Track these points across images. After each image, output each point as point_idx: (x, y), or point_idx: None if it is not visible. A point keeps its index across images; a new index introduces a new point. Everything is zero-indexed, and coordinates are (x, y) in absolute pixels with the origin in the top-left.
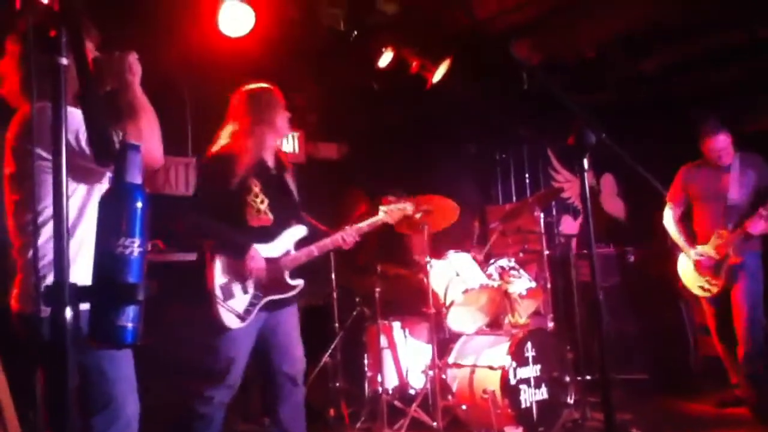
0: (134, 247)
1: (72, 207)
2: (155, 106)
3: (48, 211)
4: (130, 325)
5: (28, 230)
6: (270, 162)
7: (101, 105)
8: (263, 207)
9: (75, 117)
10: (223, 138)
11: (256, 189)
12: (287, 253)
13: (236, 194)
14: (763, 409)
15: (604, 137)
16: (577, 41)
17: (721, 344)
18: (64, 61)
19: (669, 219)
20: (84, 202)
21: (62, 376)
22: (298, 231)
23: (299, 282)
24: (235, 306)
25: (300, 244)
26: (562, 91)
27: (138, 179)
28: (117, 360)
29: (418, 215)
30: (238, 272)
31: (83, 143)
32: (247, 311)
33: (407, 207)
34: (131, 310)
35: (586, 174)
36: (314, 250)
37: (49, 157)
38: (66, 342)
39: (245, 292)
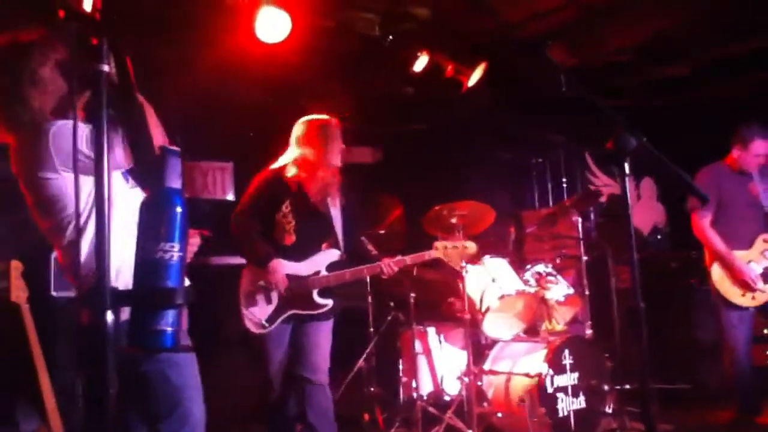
0: (174, 252)
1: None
2: (192, 111)
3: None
4: (169, 329)
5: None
6: (312, 189)
7: (142, 113)
8: (289, 227)
9: (62, 131)
10: (289, 161)
11: (286, 210)
12: (317, 273)
13: (270, 213)
14: None
15: (644, 141)
16: (606, 46)
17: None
18: (105, 67)
19: (704, 226)
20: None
21: (103, 380)
22: (331, 255)
23: (328, 301)
24: (255, 313)
25: (334, 267)
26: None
27: (178, 184)
28: (181, 366)
29: (453, 219)
30: (263, 283)
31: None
32: (269, 320)
33: (467, 250)
34: (170, 315)
35: (627, 178)
36: (346, 274)
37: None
38: (107, 346)
39: (269, 302)
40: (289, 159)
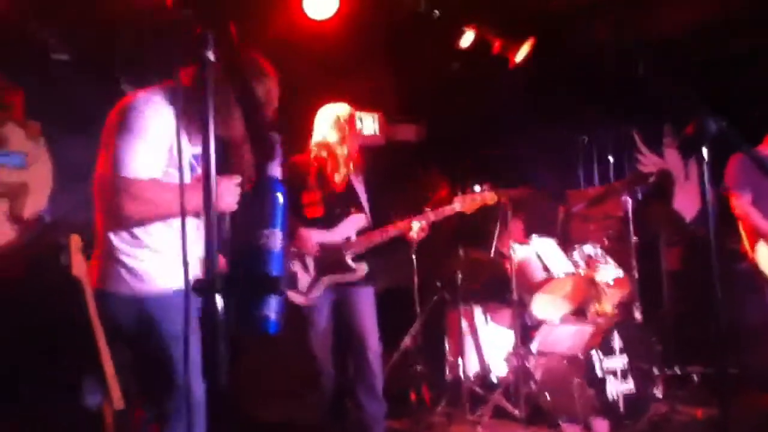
0: (276, 239)
1: None
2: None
3: None
4: (273, 315)
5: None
6: (333, 171)
7: (261, 107)
8: (316, 201)
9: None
10: (312, 145)
11: (312, 185)
12: (348, 239)
13: (297, 192)
14: None
15: (724, 126)
16: (661, 22)
17: None
18: (211, 56)
19: (745, 206)
20: None
21: (215, 362)
22: (359, 220)
23: (361, 265)
24: (296, 283)
25: (363, 232)
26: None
27: (278, 172)
28: (185, 344)
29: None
30: (296, 254)
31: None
32: (310, 287)
33: (486, 197)
34: (274, 301)
35: (705, 165)
36: (375, 235)
37: None
38: (218, 329)
39: (305, 270)
40: (312, 144)
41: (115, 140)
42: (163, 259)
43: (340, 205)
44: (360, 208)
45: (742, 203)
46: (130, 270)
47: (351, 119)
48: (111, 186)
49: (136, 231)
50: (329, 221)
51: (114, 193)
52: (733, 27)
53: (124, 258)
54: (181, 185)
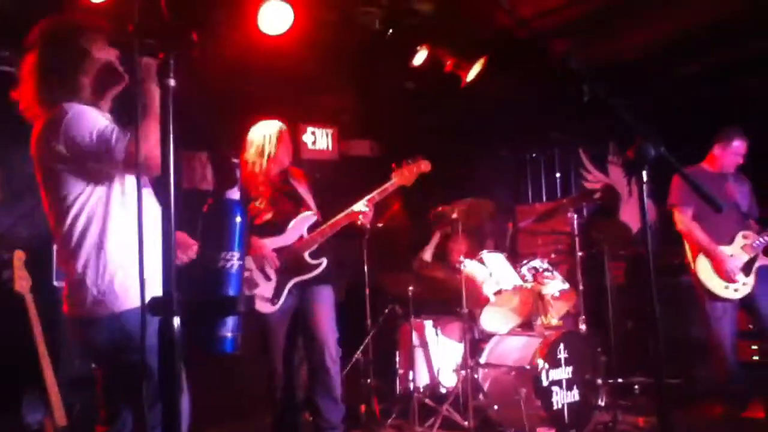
0: (234, 260)
1: (96, 211)
2: (195, 103)
3: (83, 217)
4: (230, 334)
5: (68, 238)
6: (274, 174)
7: (222, 135)
8: (262, 206)
9: (88, 115)
10: (249, 156)
11: (255, 195)
12: (301, 237)
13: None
14: None
15: (663, 151)
16: (618, 44)
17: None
18: (172, 82)
19: (688, 222)
20: (106, 204)
21: (172, 382)
22: (307, 218)
23: (321, 260)
24: (262, 293)
25: (313, 228)
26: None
27: (236, 195)
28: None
29: (454, 215)
30: (255, 264)
31: (95, 143)
32: (276, 295)
33: (422, 166)
34: (231, 321)
35: (644, 186)
36: (327, 228)
37: (67, 155)
38: (175, 349)
39: (268, 279)
40: (249, 155)
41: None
42: (134, 273)
43: (286, 206)
44: (306, 207)
45: (684, 218)
46: (105, 290)
47: (280, 133)
48: None
49: (108, 249)
50: (279, 226)
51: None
52: (685, 49)
53: (98, 279)
54: (140, 203)
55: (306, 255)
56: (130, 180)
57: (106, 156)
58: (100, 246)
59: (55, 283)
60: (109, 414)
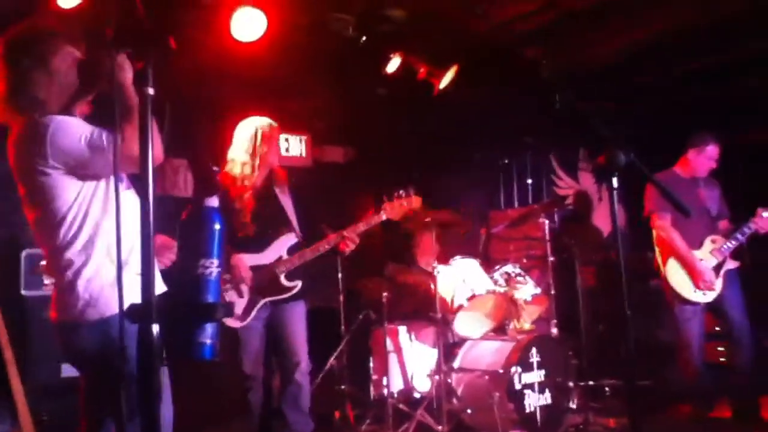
0: (213, 267)
1: (86, 217)
2: (166, 108)
3: (76, 224)
4: (209, 341)
5: (60, 246)
6: (260, 181)
7: (203, 143)
8: (245, 222)
9: (71, 123)
10: (233, 160)
11: (239, 207)
12: (279, 258)
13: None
14: (749, 410)
15: (633, 158)
16: (589, 50)
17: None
18: (151, 91)
19: (667, 227)
20: (93, 209)
21: (150, 389)
22: (289, 238)
23: (296, 283)
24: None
25: (294, 249)
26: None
27: (215, 202)
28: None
29: (427, 219)
30: (230, 279)
31: (87, 150)
32: (245, 312)
33: (413, 202)
34: (210, 328)
35: (615, 192)
36: (307, 253)
37: (60, 167)
38: (155, 357)
39: (240, 295)
40: (232, 158)
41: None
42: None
43: (269, 225)
44: (290, 227)
45: (664, 224)
46: (97, 294)
47: (269, 131)
48: None
49: (97, 254)
50: (260, 243)
51: None
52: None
53: (89, 284)
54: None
55: (282, 277)
56: (112, 183)
57: (102, 160)
58: (89, 251)
59: (23, 292)
60: (91, 424)
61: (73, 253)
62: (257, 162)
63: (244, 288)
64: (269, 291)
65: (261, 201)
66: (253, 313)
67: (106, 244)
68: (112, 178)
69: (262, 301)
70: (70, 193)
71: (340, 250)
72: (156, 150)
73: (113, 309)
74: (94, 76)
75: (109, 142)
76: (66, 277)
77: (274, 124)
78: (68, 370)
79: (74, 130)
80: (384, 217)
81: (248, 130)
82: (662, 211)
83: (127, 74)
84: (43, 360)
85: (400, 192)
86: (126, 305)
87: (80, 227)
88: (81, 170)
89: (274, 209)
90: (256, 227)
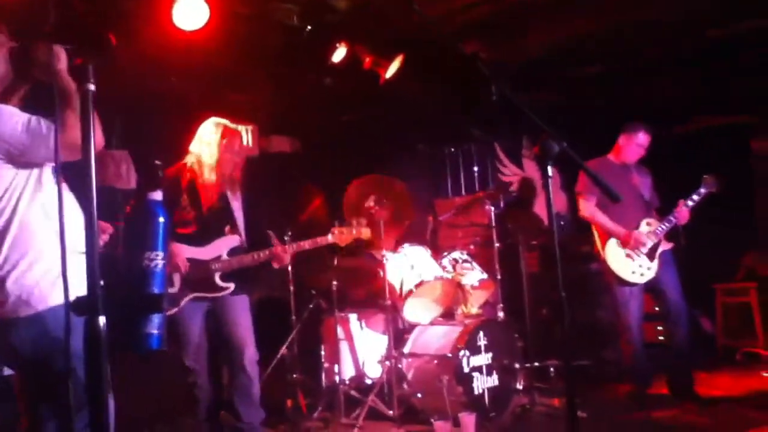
0: (158, 259)
1: (17, 207)
2: (109, 100)
3: (3, 217)
4: (156, 332)
5: None
6: (213, 181)
7: (147, 136)
8: (188, 219)
9: (6, 111)
10: (189, 158)
11: (185, 204)
12: (218, 257)
13: (171, 207)
14: (685, 386)
15: (565, 147)
16: (525, 43)
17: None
18: (92, 87)
19: (591, 208)
20: (24, 199)
21: (98, 382)
22: (232, 240)
23: (230, 285)
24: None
25: (235, 252)
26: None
27: (159, 196)
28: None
29: (371, 202)
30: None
31: (27, 137)
32: (172, 302)
33: (361, 232)
34: (156, 318)
35: (550, 179)
36: (245, 259)
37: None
38: (102, 349)
39: (171, 285)
40: (189, 156)
41: None
42: (57, 272)
43: (214, 223)
44: (234, 228)
45: (588, 206)
46: (30, 289)
47: (228, 133)
48: None
49: (31, 246)
50: (201, 239)
51: None
52: (588, 50)
53: (21, 277)
54: (60, 198)
55: (216, 276)
56: (45, 173)
57: (43, 147)
58: (19, 245)
59: None
60: (32, 421)
61: (5, 245)
62: (215, 163)
63: (176, 277)
64: (200, 287)
65: (209, 200)
66: (180, 305)
67: (37, 238)
68: (43, 169)
69: (191, 296)
70: (2, 182)
71: (278, 264)
72: (97, 137)
73: (47, 303)
74: (28, 65)
75: (49, 128)
76: None
77: (239, 128)
78: (7, 369)
79: (13, 118)
80: (330, 241)
81: (212, 130)
82: (588, 194)
83: (62, 62)
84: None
85: (352, 221)
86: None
87: (9, 222)
88: (21, 158)
89: (222, 210)
90: (199, 225)
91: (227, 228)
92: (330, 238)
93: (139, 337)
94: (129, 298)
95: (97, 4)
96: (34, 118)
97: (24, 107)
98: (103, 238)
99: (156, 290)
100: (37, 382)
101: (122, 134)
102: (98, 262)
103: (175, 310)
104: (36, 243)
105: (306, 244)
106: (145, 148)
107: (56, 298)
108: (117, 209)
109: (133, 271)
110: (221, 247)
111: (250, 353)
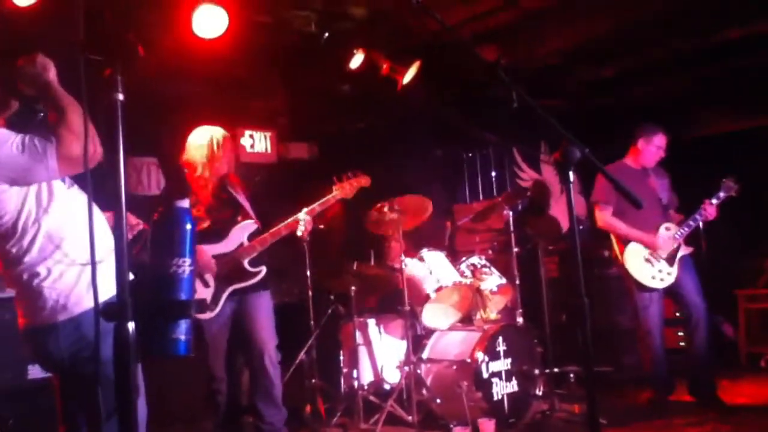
0: (186, 266)
1: (40, 221)
2: (128, 106)
3: (29, 233)
4: (183, 337)
5: (16, 257)
6: (212, 185)
7: (171, 143)
8: (201, 215)
9: (2, 136)
10: (188, 166)
11: (193, 201)
12: (241, 245)
13: None
14: (707, 391)
15: (587, 152)
16: (540, 49)
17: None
18: (121, 96)
19: (608, 217)
20: (43, 210)
21: (127, 388)
22: (248, 226)
23: (261, 269)
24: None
25: (254, 236)
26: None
27: (186, 203)
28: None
29: (393, 215)
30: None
31: (26, 156)
32: (213, 302)
33: (361, 180)
34: (184, 324)
35: (571, 185)
36: (267, 237)
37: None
38: (130, 355)
39: (206, 285)
40: (187, 161)
41: None
42: (88, 275)
43: (224, 214)
44: (246, 215)
45: (603, 215)
46: (62, 296)
47: (223, 141)
48: None
49: (51, 257)
50: (218, 234)
51: None
52: (604, 53)
53: (52, 286)
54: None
55: (245, 262)
56: (55, 183)
57: (41, 166)
58: (46, 255)
59: None
60: (68, 427)
61: (31, 261)
62: (207, 161)
63: (209, 277)
64: (235, 278)
65: (215, 196)
66: (221, 302)
67: (66, 245)
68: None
69: (230, 288)
70: (15, 203)
71: (301, 236)
72: (91, 149)
73: (82, 306)
74: (14, 81)
75: (43, 145)
76: (29, 284)
77: (225, 134)
78: (35, 372)
79: (7, 141)
80: (338, 197)
81: (203, 138)
82: (604, 203)
83: (52, 73)
84: (8, 363)
85: (348, 174)
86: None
87: (35, 234)
88: (22, 180)
89: (229, 201)
90: (211, 219)
91: (239, 217)
92: (337, 193)
93: (168, 342)
94: (156, 304)
95: (122, 14)
96: (27, 137)
97: (11, 126)
98: (132, 233)
99: (183, 296)
100: (73, 387)
101: (145, 142)
102: (127, 268)
103: (218, 309)
104: (65, 250)
105: (316, 207)
106: (171, 158)
107: (90, 301)
108: (143, 216)
109: (160, 277)
110: (240, 235)
111: (271, 354)
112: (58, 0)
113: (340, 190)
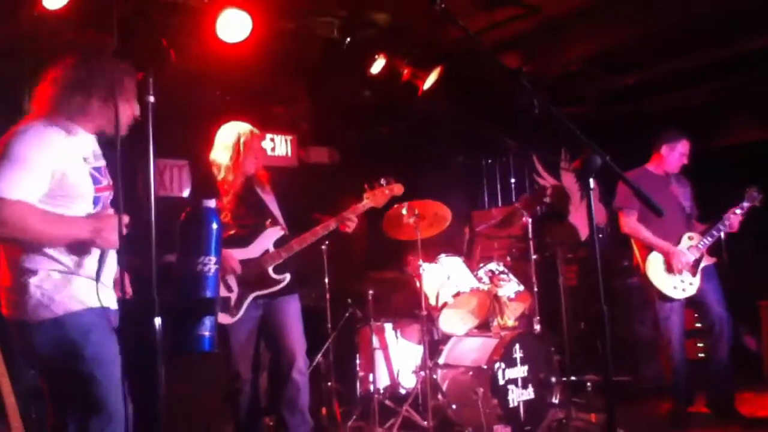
0: (211, 264)
1: None
2: (160, 111)
3: None
4: (207, 333)
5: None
6: (238, 184)
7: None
8: (228, 221)
9: (30, 141)
10: (214, 166)
11: (221, 205)
12: (266, 252)
13: None
14: (725, 403)
15: (608, 160)
16: (561, 57)
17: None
18: (152, 99)
19: (633, 223)
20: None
21: (155, 383)
22: (274, 232)
23: (284, 276)
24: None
25: (280, 243)
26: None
27: (213, 203)
28: (108, 367)
29: (411, 219)
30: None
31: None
32: (236, 306)
33: (394, 189)
34: (208, 321)
35: (591, 193)
36: (294, 245)
37: None
38: (158, 352)
39: (230, 290)
40: (213, 161)
41: None
42: (78, 280)
43: (252, 221)
44: (274, 220)
45: (629, 221)
46: (46, 294)
47: (250, 138)
48: None
49: (50, 253)
50: (245, 239)
51: None
52: (625, 61)
53: (39, 283)
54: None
55: (270, 269)
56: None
57: None
58: (39, 253)
59: None
60: (56, 425)
61: (25, 258)
62: (236, 167)
63: (233, 281)
64: (258, 285)
65: (242, 201)
66: (243, 308)
67: (55, 250)
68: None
69: (252, 296)
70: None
71: (341, 230)
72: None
73: (68, 309)
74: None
75: (9, 176)
76: (16, 276)
77: (256, 131)
78: None
79: (31, 133)
80: (368, 205)
81: (230, 135)
82: (629, 208)
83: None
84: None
85: (381, 181)
86: (84, 308)
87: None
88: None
89: (256, 207)
90: (238, 225)
91: (268, 222)
92: (367, 203)
93: (193, 338)
94: (182, 301)
95: (153, 20)
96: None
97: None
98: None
99: (209, 294)
100: (56, 385)
101: (168, 145)
102: (156, 267)
103: (240, 314)
104: (57, 256)
105: (346, 215)
106: (200, 160)
107: (75, 304)
108: (166, 217)
109: (187, 275)
110: (266, 241)
111: (300, 363)
112: (89, 3)
113: (371, 198)
